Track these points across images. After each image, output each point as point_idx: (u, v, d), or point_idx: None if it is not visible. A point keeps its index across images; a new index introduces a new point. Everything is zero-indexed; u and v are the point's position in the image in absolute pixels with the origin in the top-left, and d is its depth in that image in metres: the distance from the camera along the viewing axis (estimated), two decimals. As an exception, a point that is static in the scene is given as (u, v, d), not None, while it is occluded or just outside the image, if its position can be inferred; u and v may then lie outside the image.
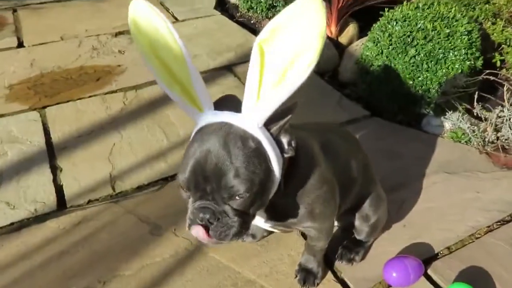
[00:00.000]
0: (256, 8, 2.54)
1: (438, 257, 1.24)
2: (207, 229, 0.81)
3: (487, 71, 1.72)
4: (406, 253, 1.22)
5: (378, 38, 1.74)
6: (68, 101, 1.86)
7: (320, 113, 1.80)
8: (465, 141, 1.63)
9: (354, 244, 1.22)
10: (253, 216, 0.87)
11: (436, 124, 1.72)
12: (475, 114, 1.64)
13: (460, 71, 1.63)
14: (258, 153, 0.81)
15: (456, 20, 1.66)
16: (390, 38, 1.69)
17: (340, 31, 2.32)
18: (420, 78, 1.67)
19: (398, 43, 1.67)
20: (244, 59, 2.17)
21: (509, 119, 1.51)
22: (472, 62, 1.66)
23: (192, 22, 2.54)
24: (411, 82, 1.68)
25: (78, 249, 1.25)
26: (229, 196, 0.80)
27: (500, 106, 1.57)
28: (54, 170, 1.52)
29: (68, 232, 1.30)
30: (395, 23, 1.70)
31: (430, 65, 1.64)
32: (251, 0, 2.52)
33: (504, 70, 1.93)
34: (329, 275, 1.19)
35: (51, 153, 1.59)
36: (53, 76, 2.02)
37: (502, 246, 1.26)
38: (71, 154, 1.59)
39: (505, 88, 1.67)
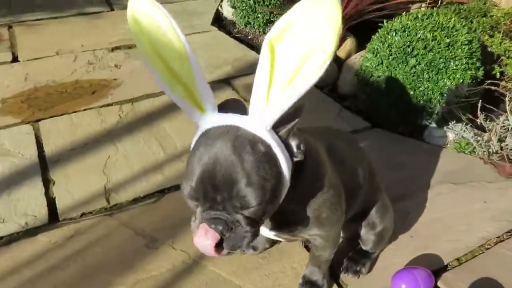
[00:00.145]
0: (254, 23, 2.54)
1: (448, 268, 1.19)
2: (217, 240, 0.76)
3: (489, 81, 1.71)
4: (414, 264, 1.17)
5: (377, 49, 1.72)
6: (62, 114, 1.81)
7: (320, 124, 1.76)
8: (469, 152, 1.60)
9: (360, 256, 1.16)
10: (261, 224, 0.82)
11: (438, 135, 1.69)
12: (479, 123, 1.61)
13: (461, 81, 1.61)
14: (269, 157, 0.76)
15: (456, 30, 1.65)
16: (390, 48, 1.68)
17: (338, 45, 2.32)
18: (421, 88, 1.64)
19: (398, 53, 1.66)
20: (242, 72, 2.15)
21: (514, 127, 1.48)
22: (473, 72, 1.64)
23: (189, 37, 2.52)
24: (412, 92, 1.66)
25: (69, 264, 1.18)
26: (241, 206, 0.75)
27: (504, 116, 1.54)
28: (47, 183, 1.46)
29: (60, 246, 1.24)
30: (394, 34, 1.69)
31: (431, 75, 1.62)
32: (248, 16, 2.52)
33: (503, 82, 1.92)
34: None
35: (44, 166, 1.54)
36: (47, 90, 1.98)
37: (513, 256, 1.21)
38: (64, 167, 1.54)
39: (507, 98, 1.65)
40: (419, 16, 1.70)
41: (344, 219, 1.01)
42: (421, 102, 1.66)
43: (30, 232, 1.28)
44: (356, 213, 1.11)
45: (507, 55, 1.94)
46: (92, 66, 2.20)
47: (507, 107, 1.60)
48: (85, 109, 1.85)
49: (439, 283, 1.13)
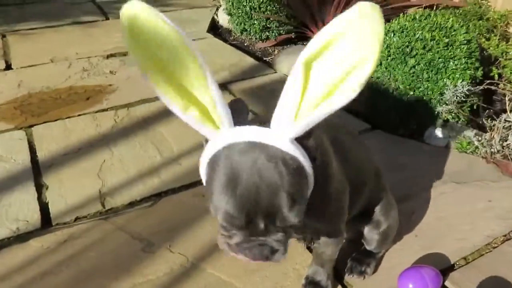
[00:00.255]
0: (250, 30, 2.53)
1: (455, 268, 1.15)
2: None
3: (488, 81, 1.70)
4: (420, 264, 1.13)
5: (375, 50, 1.71)
6: (56, 120, 1.78)
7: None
8: (471, 151, 1.57)
9: (365, 256, 1.12)
10: None
11: (439, 136, 1.66)
12: (480, 123, 1.59)
13: (461, 80, 1.60)
14: (299, 171, 0.73)
15: (454, 30, 1.64)
16: (389, 49, 1.67)
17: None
18: (421, 89, 1.63)
19: (397, 54, 1.64)
20: (239, 77, 2.13)
21: (516, 125, 1.46)
22: (473, 72, 1.63)
23: (185, 44, 2.51)
24: (411, 93, 1.64)
25: (62, 269, 1.14)
26: (283, 227, 0.72)
27: (505, 114, 1.52)
28: (39, 188, 1.42)
29: (53, 251, 1.19)
30: (392, 35, 1.68)
31: (430, 74, 1.61)
32: (245, 22, 2.51)
33: (502, 84, 1.91)
34: (339, 289, 1.09)
35: (37, 171, 1.49)
36: (41, 96, 1.95)
37: (522, 255, 1.18)
38: (58, 171, 1.49)
39: (507, 98, 1.63)
40: (417, 17, 1.70)
41: (348, 216, 0.98)
42: (421, 102, 1.64)
43: (21, 237, 1.24)
44: (360, 212, 1.08)
45: (504, 57, 1.94)
46: (86, 73, 2.17)
47: (507, 107, 1.59)
48: (79, 115, 1.82)
49: (446, 283, 1.10)
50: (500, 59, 1.94)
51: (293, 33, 2.51)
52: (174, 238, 1.23)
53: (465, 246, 1.20)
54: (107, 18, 2.92)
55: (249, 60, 2.32)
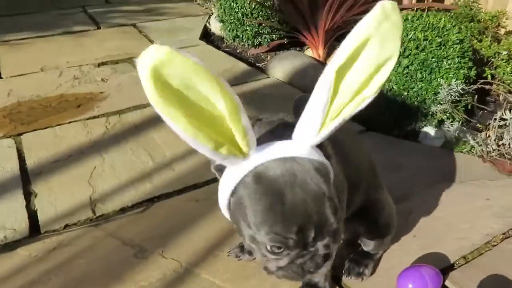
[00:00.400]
0: (242, 36, 2.52)
1: (455, 267, 1.12)
2: None
3: (482, 80, 1.69)
4: (419, 263, 1.11)
5: (368, 51, 1.70)
6: (46, 128, 1.75)
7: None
8: (467, 151, 1.56)
9: (363, 257, 1.10)
10: None
11: (434, 136, 1.65)
12: (474, 122, 1.58)
13: (455, 79, 1.59)
14: (329, 175, 0.73)
15: (447, 30, 1.64)
16: (381, 50, 1.65)
17: (328, 54, 2.30)
18: (415, 89, 1.62)
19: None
20: (232, 82, 2.11)
21: (511, 123, 1.44)
22: (466, 72, 1.62)
23: (177, 51, 2.50)
24: (405, 93, 1.63)
25: (51, 277, 1.10)
26: (329, 236, 0.72)
27: (500, 112, 1.51)
28: (28, 195, 1.38)
29: (41, 260, 1.15)
30: (384, 36, 1.67)
31: (424, 74, 1.60)
32: (237, 29, 2.50)
33: (495, 85, 1.91)
34: (337, 292, 1.06)
35: (25, 178, 1.46)
36: (31, 104, 1.92)
37: (522, 253, 1.15)
38: (47, 179, 1.46)
39: (501, 97, 1.63)
40: (409, 18, 1.69)
41: (345, 215, 0.95)
42: (416, 103, 1.63)
43: (9, 246, 1.20)
44: (356, 211, 1.05)
45: (497, 58, 1.94)
46: (77, 81, 2.15)
47: (505, 104, 1.58)
48: (70, 122, 1.79)
49: (447, 282, 1.07)
50: (492, 59, 1.94)
51: (285, 39, 2.50)
52: (167, 243, 1.20)
53: (465, 245, 1.18)
54: (99, 28, 2.90)
55: (242, 66, 2.31)
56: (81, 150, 1.61)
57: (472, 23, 2.11)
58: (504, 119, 1.48)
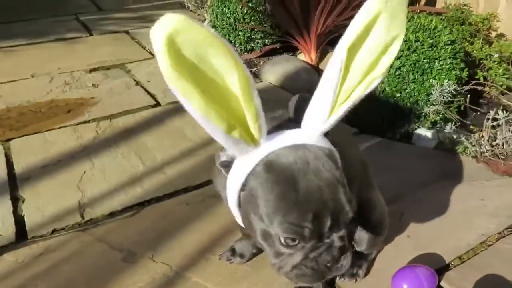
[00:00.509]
0: (235, 41, 2.52)
1: (450, 267, 1.10)
2: None
3: (475, 81, 1.69)
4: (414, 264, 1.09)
5: (360, 53, 1.69)
6: (35, 133, 1.72)
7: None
8: (461, 152, 1.55)
9: (356, 258, 1.07)
10: None
11: (427, 138, 1.64)
12: (468, 123, 1.58)
13: (447, 80, 1.58)
14: (338, 164, 0.72)
15: (438, 31, 1.63)
16: (373, 51, 1.65)
17: (320, 58, 2.30)
18: (407, 90, 1.61)
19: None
20: (224, 87, 2.10)
21: (503, 122, 1.44)
22: (458, 72, 1.62)
23: (170, 57, 2.49)
24: (398, 95, 1.62)
25: (37, 283, 1.07)
26: (344, 228, 0.69)
27: (493, 111, 1.50)
28: (15, 201, 1.35)
29: (27, 265, 1.12)
30: (376, 37, 1.67)
31: (416, 76, 1.59)
32: (229, 34, 2.50)
33: (487, 87, 1.91)
34: (331, 294, 1.04)
35: (13, 184, 1.43)
36: (20, 110, 1.89)
37: (518, 252, 1.13)
38: (35, 184, 1.43)
39: (494, 96, 1.62)
40: (400, 19, 1.69)
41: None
42: (408, 104, 1.62)
43: (-5, 252, 1.17)
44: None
45: (489, 60, 1.94)
46: (68, 86, 2.13)
47: (502, 100, 1.57)
48: (60, 127, 1.77)
49: (442, 283, 1.05)
50: (484, 61, 1.94)
51: (278, 44, 2.50)
52: (157, 247, 1.18)
53: (460, 245, 1.16)
54: (91, 35, 2.89)
55: (234, 71, 2.29)
56: (70, 155, 1.59)
57: (463, 26, 2.11)
58: (497, 119, 1.47)
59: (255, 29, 2.43)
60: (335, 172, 0.68)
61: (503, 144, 1.49)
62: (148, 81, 2.18)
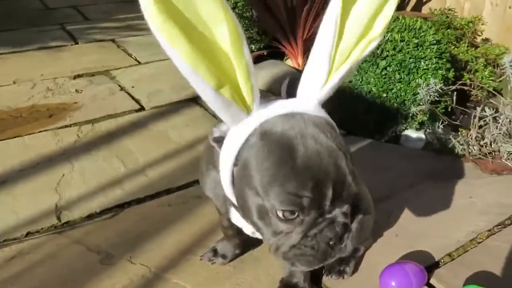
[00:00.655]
0: (221, 48, 2.50)
1: (440, 265, 1.07)
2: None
3: (461, 82, 1.68)
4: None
5: (346, 54, 1.68)
6: (14, 137, 1.67)
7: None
8: (449, 151, 1.52)
9: (343, 255, 1.03)
10: None
11: (415, 138, 1.62)
12: (457, 122, 1.56)
13: (433, 79, 1.57)
14: (338, 132, 0.68)
15: (423, 31, 1.63)
16: (359, 52, 1.64)
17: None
18: (393, 90, 1.59)
19: (368, 56, 1.61)
20: (210, 91, 2.07)
21: (491, 119, 1.42)
22: (444, 72, 1.61)
23: (155, 64, 2.46)
24: (385, 95, 1.60)
25: (7, 286, 1.01)
26: (348, 203, 0.64)
27: (480, 108, 1.49)
28: (-10, 204, 1.30)
29: (-2, 269, 1.07)
30: (362, 38, 1.65)
31: (402, 75, 1.58)
32: (215, 41, 2.48)
33: (474, 90, 1.90)
34: (317, 293, 1.00)
35: (-12, 188, 1.38)
36: (0, 115, 1.84)
37: (509, 248, 1.10)
38: (12, 187, 1.38)
39: (480, 98, 1.61)
40: (385, 20, 1.68)
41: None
42: (395, 104, 1.60)
43: (-36, 255, 1.11)
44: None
45: (475, 62, 1.94)
46: (51, 92, 2.08)
47: (490, 101, 1.55)
48: (40, 131, 1.72)
49: (432, 280, 1.01)
50: (470, 64, 1.94)
51: (265, 50, 2.48)
52: (135, 249, 1.13)
53: (449, 242, 1.13)
54: (76, 43, 2.85)
55: (221, 76, 2.27)
56: (50, 158, 1.54)
57: (449, 30, 2.12)
58: (484, 117, 1.45)
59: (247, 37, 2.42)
60: (336, 139, 0.64)
61: (491, 143, 1.47)
62: (133, 87, 2.14)
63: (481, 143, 1.49)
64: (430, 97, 1.52)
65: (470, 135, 1.47)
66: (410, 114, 1.61)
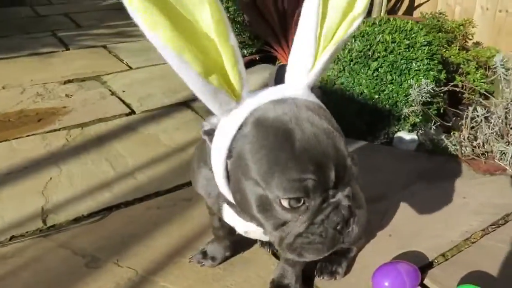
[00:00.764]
0: (213, 53, 2.49)
1: (434, 265, 1.04)
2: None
3: (453, 83, 1.67)
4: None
5: (338, 56, 1.67)
6: (2, 141, 1.64)
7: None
8: (442, 152, 1.51)
9: (335, 255, 1.01)
10: None
11: (408, 140, 1.61)
12: (450, 123, 1.55)
13: (424, 80, 1.56)
14: (331, 116, 0.68)
15: (414, 32, 1.63)
16: (351, 53, 1.63)
17: (299, 67, 2.28)
18: (385, 92, 1.58)
19: (359, 58, 1.61)
20: (201, 95, 2.05)
21: (483, 119, 1.41)
22: (436, 74, 1.61)
23: (147, 69, 2.45)
24: (377, 97, 1.59)
25: (-11, 291, 0.98)
26: (349, 186, 0.63)
27: (472, 107, 1.48)
28: (-26, 209, 1.27)
29: (-20, 273, 1.03)
30: (353, 40, 1.65)
31: (394, 77, 1.57)
32: (207, 45, 2.47)
33: (466, 94, 1.90)
34: (309, 295, 0.97)
35: (-27, 192, 1.35)
36: (-13, 120, 1.81)
37: (504, 247, 1.08)
38: (-3, 191, 1.35)
39: (472, 101, 1.61)
40: (377, 22, 1.68)
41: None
42: (387, 106, 1.59)
43: None
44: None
45: (467, 65, 1.94)
46: (40, 97, 2.06)
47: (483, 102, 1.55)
48: (28, 135, 1.69)
49: (426, 281, 0.99)
50: (462, 66, 1.94)
51: (257, 55, 2.48)
52: (122, 252, 1.10)
53: (443, 242, 1.11)
54: (68, 49, 2.84)
55: (213, 81, 2.26)
56: (37, 162, 1.51)
57: (440, 33, 2.12)
58: (476, 117, 1.45)
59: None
60: (331, 121, 0.63)
61: (483, 144, 1.46)
62: (124, 91, 2.12)
63: (474, 143, 1.48)
64: (422, 98, 1.52)
65: (463, 136, 1.46)
66: (403, 116, 1.60)
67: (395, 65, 1.57)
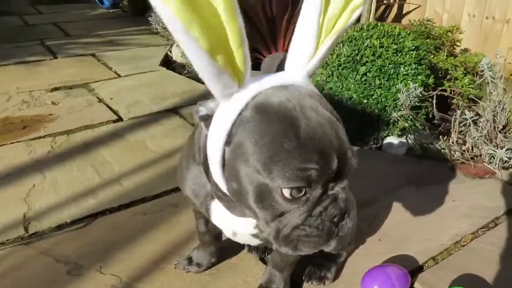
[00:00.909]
0: (202, 60, 2.48)
1: (424, 269, 1.03)
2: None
3: (441, 88, 1.68)
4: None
5: (326, 61, 1.67)
6: (-15, 149, 1.61)
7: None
8: (431, 156, 1.51)
9: (325, 260, 0.99)
10: None
11: (397, 144, 1.60)
12: (437, 128, 1.55)
13: (413, 84, 1.56)
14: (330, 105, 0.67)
15: (402, 37, 1.63)
16: (339, 58, 1.63)
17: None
18: (374, 96, 1.58)
19: (348, 63, 1.61)
20: (191, 102, 2.04)
21: (471, 123, 1.41)
22: (424, 78, 1.61)
23: (136, 76, 2.43)
24: (365, 101, 1.59)
25: (-34, 300, 0.94)
26: (347, 179, 0.62)
27: (460, 110, 1.48)
28: (-46, 216, 1.23)
29: (-42, 283, 1.00)
30: (342, 45, 1.65)
31: (382, 81, 1.57)
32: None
33: (455, 100, 1.91)
34: (297, 300, 0.95)
35: (-46, 199, 1.31)
36: (-29, 127, 1.78)
37: (494, 250, 1.07)
38: (-22, 199, 1.31)
39: (460, 106, 1.61)
40: (365, 27, 1.69)
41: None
42: (376, 110, 1.59)
43: None
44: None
45: (455, 70, 1.94)
46: (26, 105, 2.03)
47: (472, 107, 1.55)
48: (12, 143, 1.66)
49: (416, 284, 0.97)
50: (450, 72, 1.95)
51: (246, 62, 2.47)
52: (106, 258, 1.07)
53: (433, 246, 1.09)
54: (56, 57, 2.81)
55: (202, 87, 2.24)
56: (21, 169, 1.48)
57: (428, 40, 2.13)
58: (464, 121, 1.44)
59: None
60: (333, 111, 0.62)
61: (472, 148, 1.46)
62: (112, 98, 2.10)
63: (463, 147, 1.48)
64: (410, 102, 1.51)
65: (452, 139, 1.46)
66: (392, 120, 1.60)
67: (383, 70, 1.57)
